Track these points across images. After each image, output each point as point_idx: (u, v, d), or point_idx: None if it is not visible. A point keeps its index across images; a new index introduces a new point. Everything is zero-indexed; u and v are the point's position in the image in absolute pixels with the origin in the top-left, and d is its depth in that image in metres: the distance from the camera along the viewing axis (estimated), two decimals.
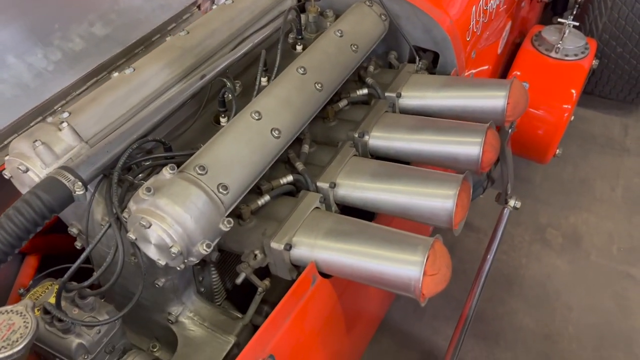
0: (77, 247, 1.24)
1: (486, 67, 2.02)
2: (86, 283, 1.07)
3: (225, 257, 1.36)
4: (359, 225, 1.14)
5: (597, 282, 2.40)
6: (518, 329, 2.24)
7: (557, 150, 2.29)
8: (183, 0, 1.89)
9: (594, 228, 2.64)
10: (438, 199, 1.17)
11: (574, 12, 2.64)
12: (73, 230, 1.19)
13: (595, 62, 2.29)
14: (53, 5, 1.60)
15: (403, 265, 1.03)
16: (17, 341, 0.86)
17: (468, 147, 1.30)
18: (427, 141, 1.34)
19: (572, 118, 2.26)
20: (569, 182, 2.87)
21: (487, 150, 1.29)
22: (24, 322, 0.89)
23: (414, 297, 1.04)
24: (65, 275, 1.06)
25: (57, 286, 1.21)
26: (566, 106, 2.18)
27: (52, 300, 1.16)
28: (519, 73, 2.26)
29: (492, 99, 1.43)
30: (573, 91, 2.18)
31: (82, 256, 1.06)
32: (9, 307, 0.91)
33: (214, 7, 1.60)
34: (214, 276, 1.34)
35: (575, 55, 2.22)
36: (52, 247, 1.57)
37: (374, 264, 1.06)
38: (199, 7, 1.93)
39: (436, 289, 1.04)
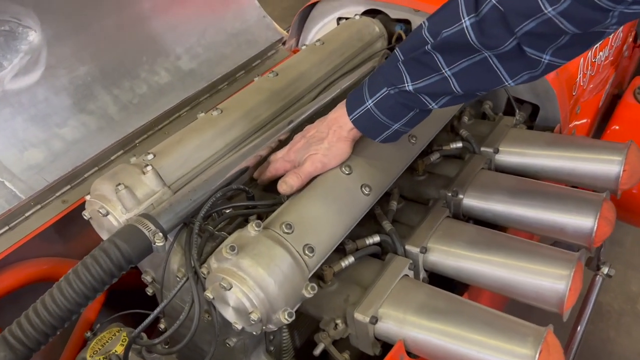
0: (148, 294, 1.19)
1: (585, 120, 1.85)
2: (157, 341, 1.00)
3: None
4: (456, 303, 1.01)
5: None
6: None
7: None
8: (269, 37, 1.86)
9: None
10: (548, 279, 1.04)
11: None
12: (147, 278, 1.13)
13: None
14: (143, 37, 1.60)
15: (510, 358, 0.90)
16: None
17: (579, 218, 1.16)
18: (531, 207, 1.20)
19: None
20: None
21: (602, 224, 1.14)
22: None
23: None
24: (136, 331, 1.00)
25: (124, 333, 1.16)
26: None
27: (119, 348, 1.11)
28: (617, 127, 2.08)
29: (605, 164, 1.28)
30: None
31: (156, 311, 0.99)
32: None
33: (303, 46, 1.54)
34: (284, 335, 1.24)
35: None
36: (120, 282, 1.53)
37: (474, 352, 0.93)
38: (283, 43, 1.90)
39: None
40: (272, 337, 1.21)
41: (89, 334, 1.21)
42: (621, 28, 1.76)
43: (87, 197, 1.08)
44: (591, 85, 1.72)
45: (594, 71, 1.64)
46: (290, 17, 2.00)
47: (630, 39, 2.06)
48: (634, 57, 2.44)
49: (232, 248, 0.92)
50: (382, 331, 1.02)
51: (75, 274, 0.91)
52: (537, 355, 0.88)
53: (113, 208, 1.02)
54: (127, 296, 1.36)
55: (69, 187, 1.34)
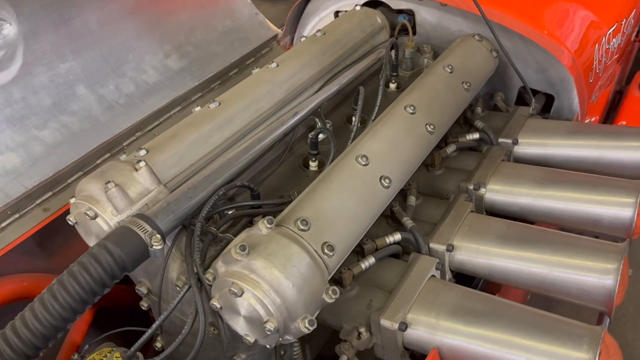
0: (143, 308, 1.05)
1: (594, 118, 1.77)
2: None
3: None
4: (494, 303, 0.90)
5: None
6: None
7: None
8: (262, 35, 1.76)
9: None
10: (593, 274, 0.93)
11: None
12: (141, 290, 1.00)
13: None
14: (129, 33, 1.49)
15: None
16: None
17: (617, 208, 1.06)
18: (561, 198, 1.11)
19: None
20: None
21: None
22: None
23: None
24: (131, 350, 0.88)
25: (117, 354, 1.02)
26: None
27: None
28: (624, 123, 2.00)
29: (636, 151, 1.19)
30: None
31: (154, 326, 0.87)
32: None
33: (301, 38, 1.44)
34: (295, 349, 1.12)
35: None
36: (109, 299, 1.39)
37: (522, 358, 0.82)
38: (278, 42, 1.80)
39: None
40: (282, 352, 1.09)
41: (75, 356, 1.08)
42: (632, 15, 1.70)
43: (72, 200, 0.95)
44: (605, 75, 1.64)
45: (608, 59, 1.57)
46: (276, 26, 1.90)
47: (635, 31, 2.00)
48: (632, 52, 2.39)
49: (243, 248, 0.80)
50: (412, 339, 0.90)
51: (60, 285, 0.79)
52: (597, 359, 0.77)
53: (102, 210, 0.90)
54: (117, 314, 1.23)
55: (50, 193, 1.22)
